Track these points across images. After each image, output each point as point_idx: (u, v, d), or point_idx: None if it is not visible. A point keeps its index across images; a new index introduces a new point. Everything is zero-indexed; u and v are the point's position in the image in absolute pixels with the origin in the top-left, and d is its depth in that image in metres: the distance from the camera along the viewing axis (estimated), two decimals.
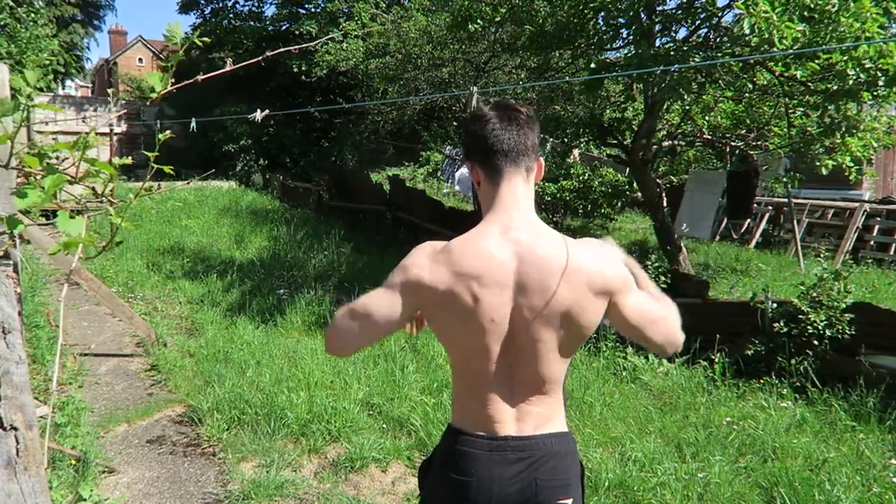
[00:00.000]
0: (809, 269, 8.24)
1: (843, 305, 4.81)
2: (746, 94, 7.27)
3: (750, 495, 3.39)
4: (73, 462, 3.48)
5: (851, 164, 6.13)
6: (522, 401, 1.45)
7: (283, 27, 21.43)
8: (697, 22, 6.33)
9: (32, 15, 11.76)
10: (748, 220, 11.69)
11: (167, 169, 1.52)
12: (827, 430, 4.13)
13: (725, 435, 4.05)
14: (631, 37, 6.99)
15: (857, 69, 5.08)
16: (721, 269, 9.32)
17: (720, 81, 6.53)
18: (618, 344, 5.58)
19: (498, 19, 7.97)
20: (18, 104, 1.32)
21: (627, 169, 9.94)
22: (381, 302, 1.46)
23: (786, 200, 10.81)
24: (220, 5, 22.57)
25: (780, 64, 5.74)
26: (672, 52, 5.95)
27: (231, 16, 22.39)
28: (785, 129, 7.18)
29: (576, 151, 8.49)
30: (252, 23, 21.90)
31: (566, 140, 8.45)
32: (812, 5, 4.97)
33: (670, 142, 8.89)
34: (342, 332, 1.50)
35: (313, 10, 21.17)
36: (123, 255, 8.93)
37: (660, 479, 3.47)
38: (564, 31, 7.11)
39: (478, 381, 1.45)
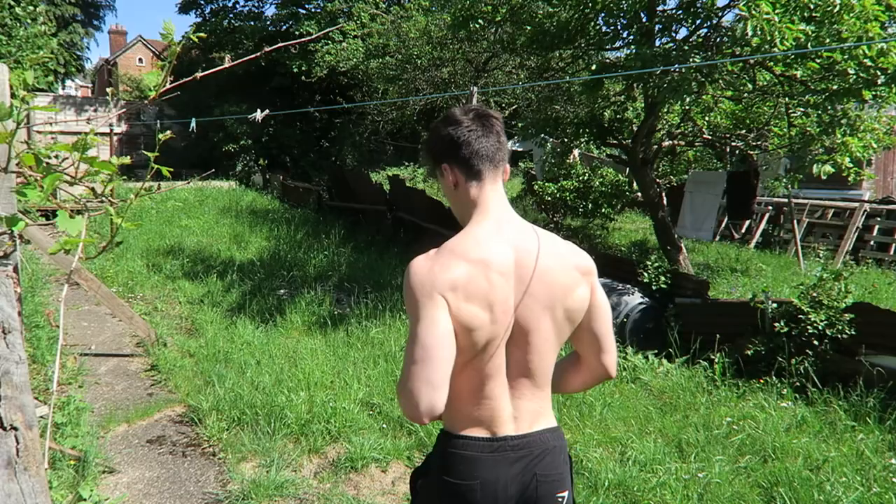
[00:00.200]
0: (809, 270, 8.24)
1: (843, 305, 4.81)
2: (746, 95, 7.27)
3: (750, 495, 3.39)
4: (73, 462, 3.48)
5: (851, 165, 6.13)
6: (519, 397, 1.48)
7: (284, 27, 21.42)
8: (698, 22, 6.34)
9: (30, 9, 11.73)
10: (748, 221, 11.69)
11: (165, 171, 1.51)
12: (827, 430, 4.13)
13: (725, 435, 4.05)
14: (631, 37, 7.00)
15: (858, 68, 5.08)
16: (721, 269, 9.32)
17: (720, 81, 6.52)
18: (617, 344, 5.59)
19: (498, 19, 7.97)
20: (13, 108, 1.32)
21: (627, 169, 9.95)
22: (432, 327, 1.33)
23: (786, 200, 10.81)
24: (220, 5, 22.56)
25: (780, 64, 5.74)
26: (672, 53, 5.95)
27: (231, 16, 22.38)
28: (785, 129, 7.18)
29: (576, 151, 8.49)
30: (252, 23, 21.89)
31: (566, 140, 8.45)
32: (813, 5, 4.97)
33: (670, 142, 8.90)
34: (422, 389, 1.32)
35: (313, 10, 21.17)
36: (123, 255, 8.93)
37: (660, 479, 3.47)
38: (565, 31, 7.11)
39: (480, 380, 1.45)
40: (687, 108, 7.73)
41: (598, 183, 10.97)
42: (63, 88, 30.40)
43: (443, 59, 13.34)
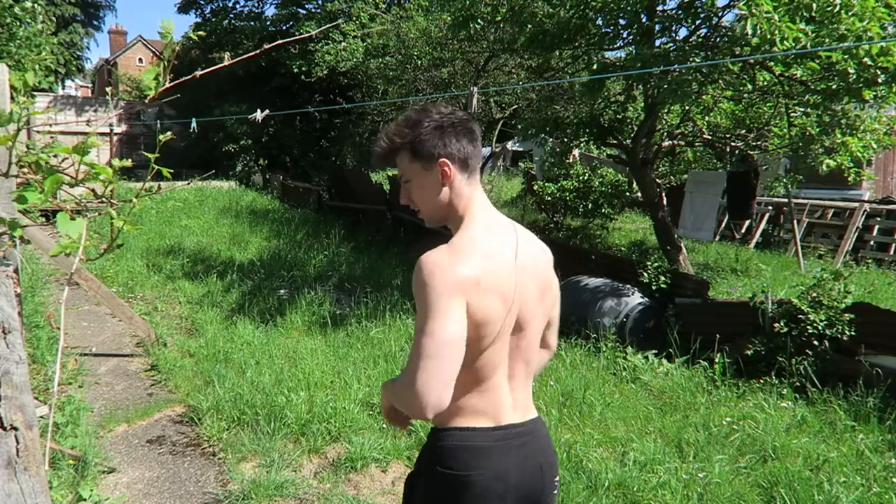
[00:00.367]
0: (809, 270, 8.24)
1: (843, 305, 4.82)
2: (746, 95, 7.27)
3: (750, 495, 3.39)
4: (73, 462, 3.48)
5: (851, 165, 6.13)
6: (515, 387, 1.54)
7: (284, 27, 21.43)
8: (698, 22, 6.34)
9: (28, 6, 11.71)
10: (748, 221, 11.69)
11: (165, 172, 1.51)
12: (827, 430, 4.14)
13: (725, 435, 4.05)
14: (631, 37, 7.00)
15: (858, 68, 5.09)
16: (721, 269, 9.32)
17: (720, 81, 6.53)
18: (617, 344, 5.59)
19: (498, 19, 7.97)
20: (13, 115, 1.31)
21: (627, 169, 9.94)
22: (449, 325, 1.31)
23: (786, 200, 10.81)
24: (220, 5, 22.56)
25: (780, 64, 5.74)
26: (672, 52, 5.95)
27: (231, 16, 22.38)
28: (785, 129, 7.18)
29: (576, 151, 8.49)
30: (252, 23, 21.89)
31: (566, 140, 8.45)
32: (814, 5, 4.97)
33: (670, 142, 8.90)
34: (433, 384, 1.29)
35: (313, 10, 21.17)
36: (123, 255, 8.93)
37: (660, 479, 3.47)
38: (565, 31, 7.11)
39: (486, 370, 1.46)
40: (687, 108, 7.73)
41: (598, 183, 10.97)
42: (63, 88, 30.41)
43: (443, 60, 13.35)
